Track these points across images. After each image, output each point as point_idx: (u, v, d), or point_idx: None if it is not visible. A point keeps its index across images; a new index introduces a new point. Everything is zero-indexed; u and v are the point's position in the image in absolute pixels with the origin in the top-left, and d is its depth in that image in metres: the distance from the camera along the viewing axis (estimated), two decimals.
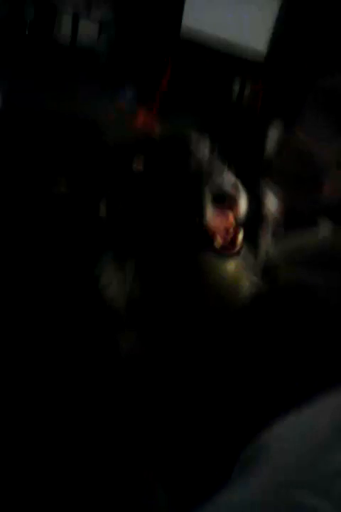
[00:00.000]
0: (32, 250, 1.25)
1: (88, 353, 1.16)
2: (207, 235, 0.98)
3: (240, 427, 1.03)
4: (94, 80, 3.59)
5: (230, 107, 3.65)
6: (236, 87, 3.86)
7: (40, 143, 1.54)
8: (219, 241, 0.98)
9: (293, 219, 1.50)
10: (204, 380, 1.15)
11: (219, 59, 3.08)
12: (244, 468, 0.75)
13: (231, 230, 0.98)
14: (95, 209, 1.11)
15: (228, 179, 0.96)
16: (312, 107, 2.80)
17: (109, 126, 2.78)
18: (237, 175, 1.03)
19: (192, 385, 1.15)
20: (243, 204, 0.97)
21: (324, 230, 1.60)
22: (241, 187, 0.97)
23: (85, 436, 1.08)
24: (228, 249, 0.99)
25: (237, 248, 1.00)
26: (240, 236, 0.99)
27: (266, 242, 1.16)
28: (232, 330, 1.15)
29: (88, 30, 4.07)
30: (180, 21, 3.07)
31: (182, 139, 1.09)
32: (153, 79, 3.29)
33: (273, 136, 3.06)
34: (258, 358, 1.17)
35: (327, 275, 1.31)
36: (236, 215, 0.97)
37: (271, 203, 1.18)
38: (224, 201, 0.95)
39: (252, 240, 1.09)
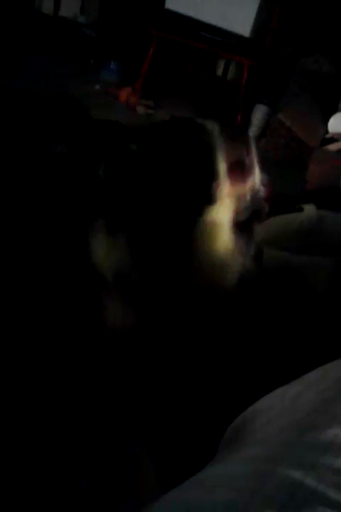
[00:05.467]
0: (22, 208, 1.24)
1: (72, 317, 1.16)
2: (212, 206, 0.99)
3: (227, 401, 1.05)
4: (78, 53, 3.53)
5: (215, 87, 3.63)
6: (221, 68, 3.85)
7: (20, 117, 1.52)
8: (227, 205, 0.99)
9: (277, 203, 1.51)
10: (192, 353, 1.17)
11: (204, 37, 3.04)
12: (229, 442, 0.77)
13: (242, 199, 1.00)
14: (94, 172, 1.10)
15: (242, 156, 0.98)
16: (296, 89, 2.81)
17: (94, 99, 2.75)
18: None
19: (180, 357, 1.17)
20: (258, 179, 0.98)
21: (308, 213, 1.62)
22: (256, 162, 0.98)
23: (68, 407, 1.08)
24: (234, 215, 1.00)
25: (243, 216, 1.01)
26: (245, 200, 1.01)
27: (255, 226, 1.17)
28: (220, 307, 1.16)
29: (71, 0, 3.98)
30: None
31: (188, 119, 1.09)
32: (138, 52, 3.24)
33: (257, 118, 3.06)
34: (245, 336, 1.19)
35: (312, 259, 1.33)
36: (252, 186, 0.98)
37: (258, 187, 1.19)
38: (242, 169, 0.96)
39: (245, 226, 1.10)
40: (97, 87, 3.09)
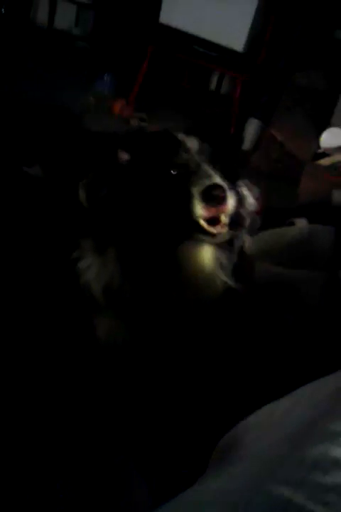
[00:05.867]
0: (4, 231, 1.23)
1: (63, 336, 1.16)
2: (191, 221, 1.00)
3: (216, 418, 1.05)
4: (72, 65, 3.53)
5: (208, 102, 3.64)
6: (215, 82, 3.87)
7: (14, 128, 1.52)
8: (203, 223, 1.00)
9: (269, 216, 1.52)
10: (182, 369, 1.16)
11: (198, 51, 3.06)
12: (220, 457, 0.76)
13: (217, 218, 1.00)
14: (73, 193, 1.10)
15: (217, 180, 0.98)
16: (289, 104, 2.83)
17: (87, 111, 2.75)
18: (221, 173, 1.05)
19: (169, 373, 1.16)
20: (230, 204, 0.99)
21: (300, 227, 1.63)
22: (228, 188, 0.99)
23: (58, 420, 1.08)
24: (211, 228, 1.01)
25: (221, 228, 1.01)
26: (224, 219, 1.01)
27: (242, 239, 1.18)
28: (208, 322, 1.16)
29: (66, 12, 3.99)
30: (160, 9, 3.03)
31: (169, 134, 1.09)
32: (132, 65, 3.25)
33: (250, 132, 3.07)
34: (233, 352, 1.19)
35: (304, 273, 1.33)
36: (223, 212, 0.99)
37: (248, 200, 1.19)
38: (213, 201, 0.97)
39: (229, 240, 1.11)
40: (91, 99, 3.10)
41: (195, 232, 1.01)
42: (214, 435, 0.81)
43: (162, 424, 1.11)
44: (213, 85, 3.92)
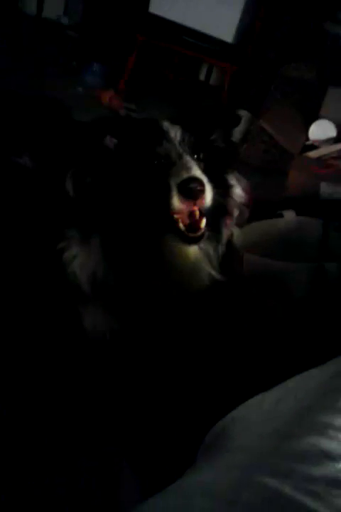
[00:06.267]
0: None
1: (50, 326, 1.15)
2: (170, 217, 0.99)
3: (205, 409, 1.05)
4: (60, 54, 3.49)
5: (197, 92, 3.63)
6: (204, 72, 3.86)
7: (2, 118, 1.51)
8: (182, 223, 1.00)
9: (257, 209, 1.52)
10: (170, 361, 1.17)
11: (188, 42, 3.04)
12: (209, 448, 0.77)
13: (196, 215, 1.00)
14: (61, 183, 1.10)
15: (194, 173, 0.97)
16: (278, 96, 2.83)
17: (76, 101, 2.73)
18: (204, 164, 1.04)
19: (158, 365, 1.16)
20: (208, 197, 0.99)
21: (288, 219, 1.64)
22: (206, 181, 0.98)
23: (48, 413, 1.07)
24: (191, 232, 1.00)
25: (200, 232, 1.01)
26: (203, 221, 1.01)
27: (230, 231, 1.17)
28: (194, 312, 1.16)
29: (55, 0, 3.94)
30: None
31: (154, 123, 1.08)
32: (121, 56, 3.22)
33: (239, 125, 3.06)
34: (221, 343, 1.20)
35: (291, 264, 1.34)
36: (200, 205, 0.98)
37: (236, 192, 1.19)
38: (189, 195, 0.96)
39: (215, 229, 1.10)
40: (79, 89, 3.07)
41: (173, 235, 1.01)
42: (203, 426, 0.81)
43: (151, 416, 1.11)
44: (202, 76, 3.90)
